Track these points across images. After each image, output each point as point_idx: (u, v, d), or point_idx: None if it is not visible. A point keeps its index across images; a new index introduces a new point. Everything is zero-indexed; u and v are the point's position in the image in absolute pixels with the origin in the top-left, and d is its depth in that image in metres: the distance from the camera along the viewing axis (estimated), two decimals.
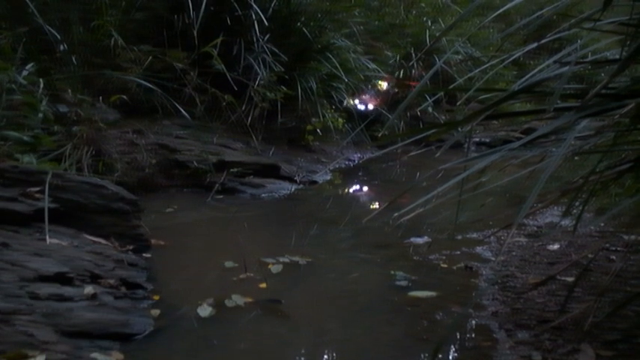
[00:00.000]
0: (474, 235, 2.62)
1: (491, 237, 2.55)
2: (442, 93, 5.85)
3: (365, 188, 4.44)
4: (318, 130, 4.80)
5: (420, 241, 2.54)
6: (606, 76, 1.10)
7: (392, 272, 2.09)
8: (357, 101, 5.68)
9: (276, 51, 4.39)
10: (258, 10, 4.20)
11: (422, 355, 1.49)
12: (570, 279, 1.91)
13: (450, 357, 1.49)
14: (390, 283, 2.01)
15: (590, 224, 2.52)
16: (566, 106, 1.33)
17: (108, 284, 1.73)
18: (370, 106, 5.75)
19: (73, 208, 2.10)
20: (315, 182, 4.07)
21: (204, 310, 1.69)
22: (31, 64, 2.84)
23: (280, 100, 4.31)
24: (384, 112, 5.65)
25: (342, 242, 2.63)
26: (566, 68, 1.31)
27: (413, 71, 6.40)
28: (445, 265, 2.20)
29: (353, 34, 5.53)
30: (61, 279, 1.62)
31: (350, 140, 5.44)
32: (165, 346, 1.50)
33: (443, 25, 6.87)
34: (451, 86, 4.41)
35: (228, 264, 2.11)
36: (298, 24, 4.71)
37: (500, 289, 1.90)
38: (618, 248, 2.24)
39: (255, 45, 4.31)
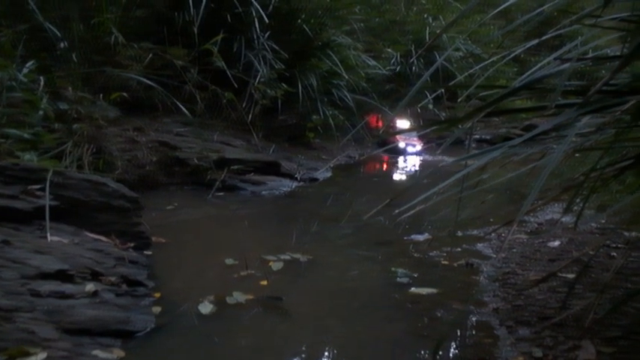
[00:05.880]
0: (475, 232, 2.62)
1: (492, 234, 2.55)
2: (443, 90, 5.86)
3: (365, 185, 4.43)
4: (318, 128, 4.79)
5: (420, 238, 2.54)
6: (607, 73, 1.10)
7: (392, 269, 2.09)
8: (405, 144, 6.04)
9: (277, 48, 4.38)
10: (259, 7, 4.19)
11: (422, 352, 1.49)
12: (571, 276, 1.91)
13: (451, 354, 1.49)
14: (390, 280, 2.01)
15: (591, 221, 2.52)
16: (567, 103, 1.33)
17: (109, 282, 1.73)
18: (418, 147, 6.12)
19: (74, 206, 2.10)
20: (315, 179, 4.07)
21: (205, 307, 1.69)
22: (32, 61, 2.84)
23: (281, 97, 4.31)
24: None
25: (342, 239, 2.62)
26: (567, 65, 1.31)
27: (413, 68, 6.40)
28: (446, 262, 2.20)
29: (353, 32, 5.52)
30: (62, 276, 1.63)
31: (350, 137, 5.43)
32: (167, 343, 1.50)
33: (443, 22, 6.87)
34: (451, 83, 4.40)
35: (229, 261, 2.12)
36: (299, 21, 4.71)
37: (501, 286, 1.90)
38: (619, 245, 2.24)
39: (256, 42, 4.30)
